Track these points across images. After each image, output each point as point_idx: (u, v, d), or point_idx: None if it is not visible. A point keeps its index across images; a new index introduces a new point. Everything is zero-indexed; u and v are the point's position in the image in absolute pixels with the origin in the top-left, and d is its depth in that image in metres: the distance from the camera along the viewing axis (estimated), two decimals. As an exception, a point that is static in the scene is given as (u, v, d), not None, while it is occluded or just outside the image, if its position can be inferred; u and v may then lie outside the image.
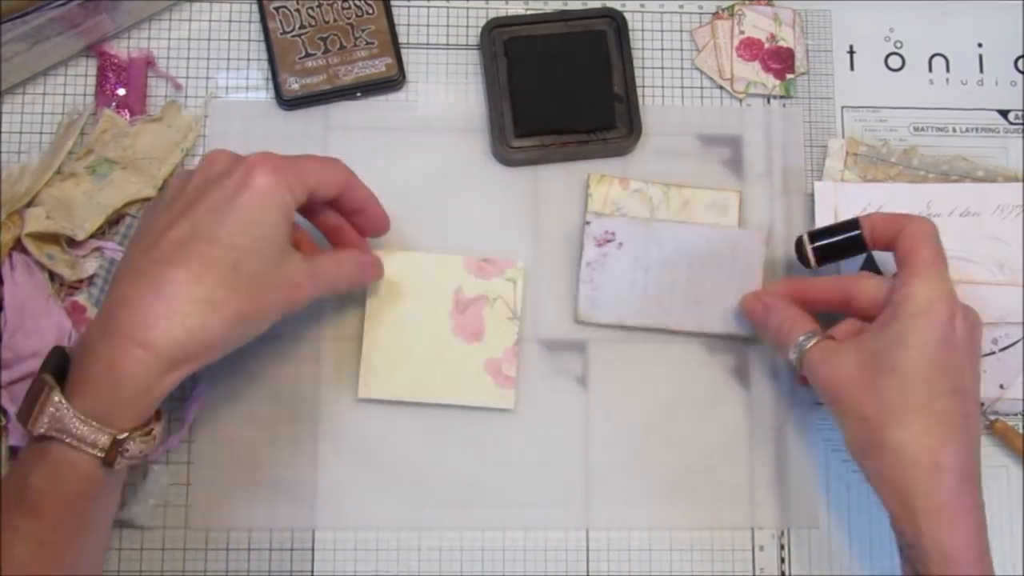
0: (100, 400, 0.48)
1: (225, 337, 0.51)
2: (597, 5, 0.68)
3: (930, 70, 0.69)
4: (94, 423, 0.48)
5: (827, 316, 0.59)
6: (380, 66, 0.66)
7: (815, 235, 0.60)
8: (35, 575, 0.48)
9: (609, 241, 0.63)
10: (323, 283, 0.56)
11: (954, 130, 0.68)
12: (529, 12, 0.67)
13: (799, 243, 0.60)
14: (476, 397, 0.61)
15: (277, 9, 0.66)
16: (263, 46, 0.66)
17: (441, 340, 0.61)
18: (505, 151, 0.65)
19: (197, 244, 0.50)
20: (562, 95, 0.65)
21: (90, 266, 0.61)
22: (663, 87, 0.68)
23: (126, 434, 0.49)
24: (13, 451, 0.58)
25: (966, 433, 0.52)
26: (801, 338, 0.56)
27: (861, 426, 0.53)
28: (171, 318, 0.49)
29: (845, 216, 0.65)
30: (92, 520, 0.51)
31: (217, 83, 0.66)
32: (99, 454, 0.48)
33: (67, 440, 0.48)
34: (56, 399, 0.48)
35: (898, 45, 0.69)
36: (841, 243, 0.59)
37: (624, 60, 0.66)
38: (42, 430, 0.48)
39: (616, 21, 0.66)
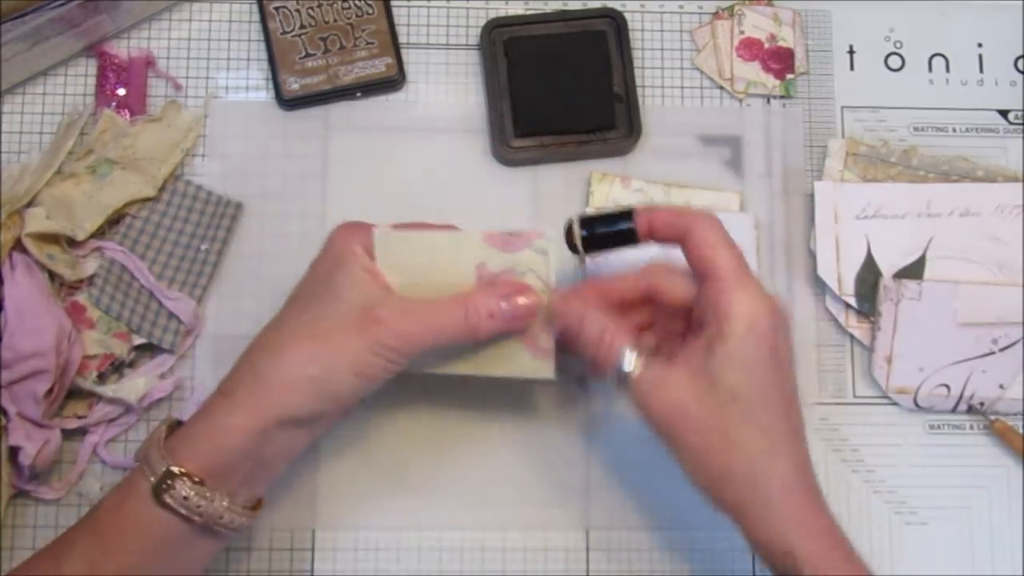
0: (179, 434, 0.51)
1: (298, 379, 0.50)
2: (597, 5, 0.68)
3: (930, 70, 0.69)
4: (166, 453, 0.50)
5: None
6: (380, 66, 0.66)
7: (587, 221, 0.54)
8: None
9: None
10: (426, 324, 0.51)
11: (954, 130, 0.68)
12: (529, 12, 0.67)
13: (568, 228, 0.54)
14: (513, 369, 0.55)
15: (277, 9, 0.66)
16: (263, 46, 0.66)
17: None
18: (505, 151, 0.65)
19: (284, 306, 0.54)
20: (562, 95, 0.65)
21: (90, 266, 0.61)
22: (663, 87, 0.68)
23: (181, 470, 0.49)
24: (13, 451, 0.58)
25: (802, 444, 0.51)
26: (625, 358, 0.51)
27: (705, 459, 0.50)
28: (243, 366, 0.52)
29: (845, 217, 0.65)
30: (148, 563, 0.50)
31: (217, 83, 0.66)
32: (152, 479, 0.49)
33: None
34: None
35: (898, 45, 0.69)
36: (612, 234, 0.54)
37: (624, 60, 0.66)
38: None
39: (616, 21, 0.66)
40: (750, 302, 0.50)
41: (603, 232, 0.54)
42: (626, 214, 0.53)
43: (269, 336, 0.52)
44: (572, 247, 0.54)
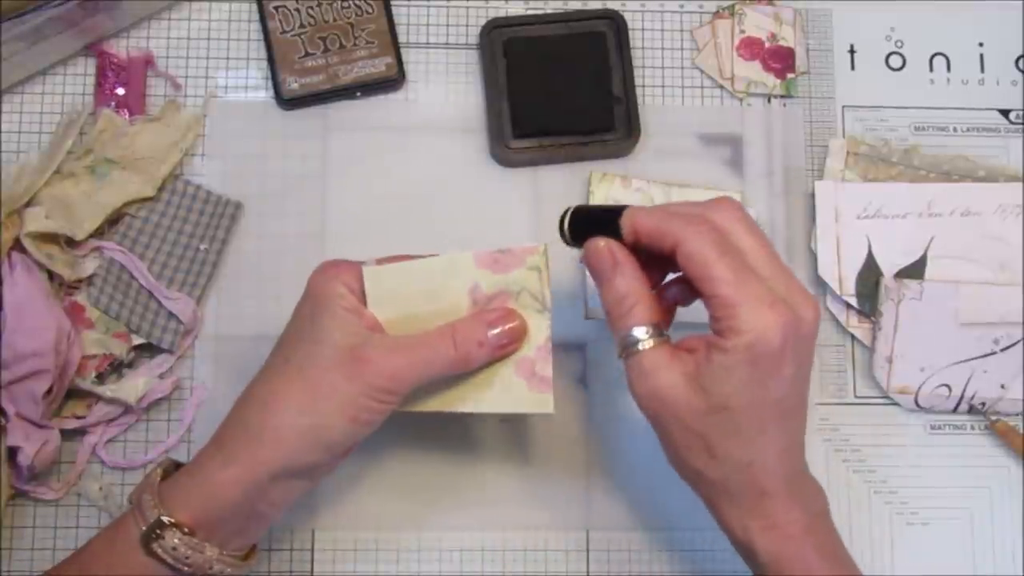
0: (172, 482, 0.51)
1: (290, 430, 0.49)
2: (597, 5, 0.68)
3: (931, 69, 0.69)
4: (158, 501, 0.49)
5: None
6: (380, 66, 0.66)
7: (578, 215, 0.52)
8: None
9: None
10: (415, 359, 0.50)
11: (955, 130, 0.68)
12: (529, 12, 0.67)
13: (560, 221, 0.52)
14: (511, 404, 0.53)
15: (277, 8, 0.66)
16: (263, 45, 0.66)
17: None
18: (503, 152, 0.65)
19: (271, 354, 0.53)
20: (561, 96, 0.65)
21: (89, 266, 0.61)
22: (663, 87, 0.67)
23: (171, 520, 0.48)
24: (12, 451, 0.57)
25: (792, 450, 0.49)
26: (635, 333, 0.48)
27: (682, 454, 0.49)
28: (234, 417, 0.51)
29: (845, 217, 0.65)
30: None
31: (217, 83, 0.66)
32: (142, 526, 0.49)
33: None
34: (155, 475, 0.51)
35: (899, 44, 0.69)
36: (598, 232, 0.50)
37: (624, 62, 0.66)
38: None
39: (616, 22, 0.66)
40: (755, 318, 0.45)
41: (589, 230, 0.51)
42: (615, 212, 0.50)
43: (258, 386, 0.51)
44: (562, 236, 0.53)
